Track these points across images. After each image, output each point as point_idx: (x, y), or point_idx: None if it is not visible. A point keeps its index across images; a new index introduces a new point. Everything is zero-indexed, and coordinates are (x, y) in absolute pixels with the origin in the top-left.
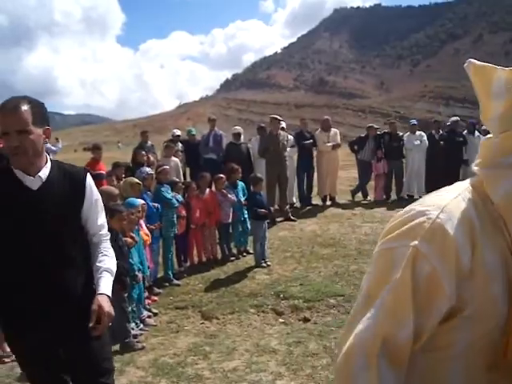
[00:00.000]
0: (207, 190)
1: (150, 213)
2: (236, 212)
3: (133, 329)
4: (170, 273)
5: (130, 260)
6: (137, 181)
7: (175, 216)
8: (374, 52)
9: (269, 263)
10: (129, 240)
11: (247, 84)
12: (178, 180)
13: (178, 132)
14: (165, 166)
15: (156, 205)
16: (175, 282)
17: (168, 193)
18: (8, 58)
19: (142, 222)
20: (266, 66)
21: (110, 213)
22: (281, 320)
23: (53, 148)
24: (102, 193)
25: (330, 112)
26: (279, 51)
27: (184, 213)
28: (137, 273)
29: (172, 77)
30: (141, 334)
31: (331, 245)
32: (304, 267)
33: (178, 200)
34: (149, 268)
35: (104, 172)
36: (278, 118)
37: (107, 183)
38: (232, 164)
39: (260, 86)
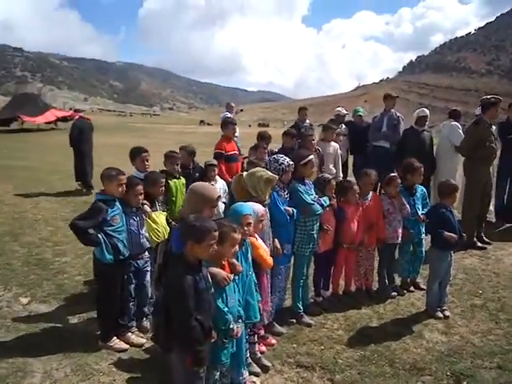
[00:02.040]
0: (370, 193)
1: (280, 221)
2: (408, 229)
3: None
4: (299, 305)
5: (220, 304)
6: (271, 175)
7: (316, 227)
8: None
9: (447, 313)
10: (222, 274)
11: (433, 67)
12: (328, 176)
13: (343, 111)
14: (310, 157)
15: (290, 209)
16: (306, 319)
17: (309, 193)
18: (203, 37)
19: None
20: (457, 48)
21: (220, 238)
22: None
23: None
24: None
25: None
26: (473, 32)
27: (329, 224)
28: (232, 325)
29: (352, 57)
30: None
31: None
32: (504, 331)
33: (323, 204)
34: (262, 309)
35: (236, 152)
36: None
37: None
38: (413, 161)
39: (447, 70)
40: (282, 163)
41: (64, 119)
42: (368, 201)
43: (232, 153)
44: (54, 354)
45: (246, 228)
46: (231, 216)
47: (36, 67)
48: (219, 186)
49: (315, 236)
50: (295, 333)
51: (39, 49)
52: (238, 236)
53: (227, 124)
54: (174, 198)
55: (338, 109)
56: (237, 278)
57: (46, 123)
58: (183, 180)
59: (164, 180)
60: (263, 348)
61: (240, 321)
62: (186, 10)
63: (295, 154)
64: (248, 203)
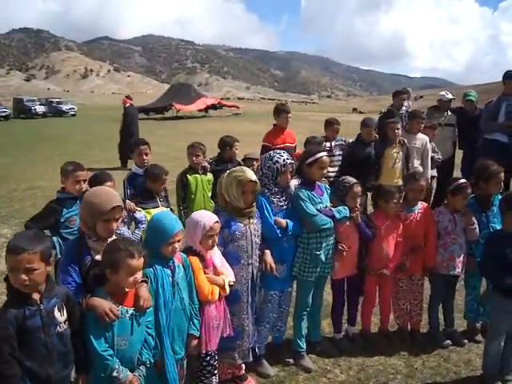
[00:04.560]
0: (419, 204)
1: (268, 235)
2: (475, 257)
3: None
4: (300, 343)
5: (97, 344)
6: (246, 177)
7: (325, 246)
8: None
9: None
10: (104, 306)
11: None
12: (350, 180)
13: (448, 95)
14: (318, 154)
15: (283, 221)
16: (305, 362)
17: (315, 201)
18: (366, 22)
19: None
20: None
21: (113, 266)
22: None
23: None
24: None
25: None
26: None
27: (351, 243)
28: (116, 372)
29: None
30: None
31: None
32: None
33: (333, 216)
34: (204, 344)
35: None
36: None
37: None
38: (489, 163)
39: None
40: (277, 161)
41: (213, 107)
42: (414, 214)
43: (282, 146)
44: None
45: (175, 246)
46: (153, 232)
47: (205, 58)
48: None
49: (323, 258)
50: (286, 378)
51: (208, 41)
52: (135, 262)
53: (279, 112)
54: (193, 196)
55: (442, 93)
56: (151, 309)
57: (198, 110)
58: (209, 176)
59: (165, 176)
60: None
61: (142, 367)
62: None
63: (308, 151)
64: (195, 214)
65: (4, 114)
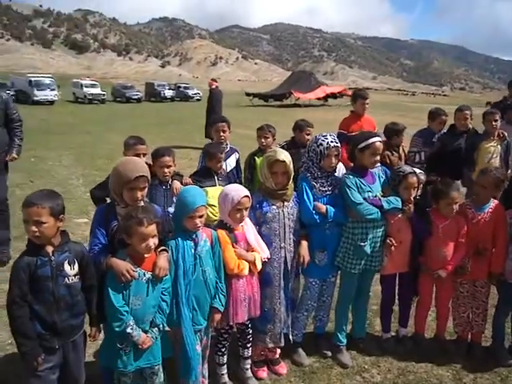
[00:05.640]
0: (491, 202)
1: (305, 220)
2: None
3: None
4: (340, 336)
5: (114, 300)
6: (279, 157)
7: (372, 238)
8: None
9: None
10: (121, 267)
11: None
12: (405, 169)
13: None
14: (372, 139)
15: (323, 207)
16: (343, 357)
17: (364, 189)
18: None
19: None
20: None
21: (126, 232)
22: None
23: None
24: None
25: None
26: None
27: (402, 237)
28: (130, 329)
29: None
30: None
31: None
32: None
33: (382, 206)
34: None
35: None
36: None
37: None
38: None
39: None
40: (321, 144)
41: (333, 96)
42: (484, 213)
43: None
44: None
45: (196, 221)
46: (178, 204)
47: (332, 47)
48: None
49: (368, 250)
50: (319, 369)
51: (337, 29)
52: (145, 229)
53: (356, 98)
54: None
55: None
56: (168, 277)
57: (317, 99)
58: None
59: (221, 155)
60: (264, 374)
61: (156, 329)
62: None
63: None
64: (226, 187)
65: (136, 97)
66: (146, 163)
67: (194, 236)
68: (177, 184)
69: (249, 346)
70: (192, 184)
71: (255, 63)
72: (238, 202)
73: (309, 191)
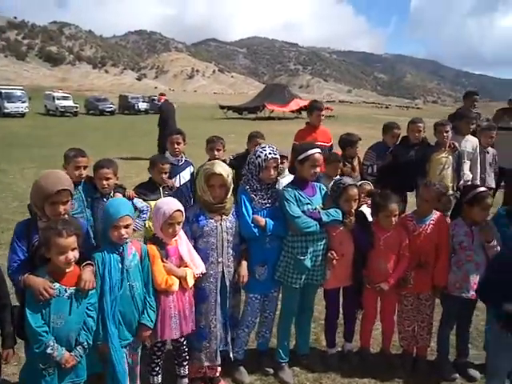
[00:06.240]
0: (433, 214)
1: (244, 234)
2: None
3: None
4: (281, 353)
5: (32, 320)
6: (215, 170)
7: (312, 251)
8: None
9: None
10: (39, 285)
11: None
12: (346, 181)
13: None
14: (311, 151)
15: (262, 220)
16: (285, 375)
17: (302, 202)
18: (480, 24)
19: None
20: None
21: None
22: None
23: None
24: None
25: None
26: None
27: (344, 250)
28: (51, 349)
29: None
30: None
31: None
32: None
33: (320, 218)
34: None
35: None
36: None
37: None
38: None
39: None
40: (259, 156)
41: (306, 109)
42: (425, 225)
43: None
44: None
45: (121, 231)
46: (103, 215)
47: (307, 61)
48: (286, 182)
49: (308, 264)
50: None
51: (313, 44)
52: (64, 241)
53: (312, 109)
54: None
55: None
56: (94, 292)
57: (291, 112)
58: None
59: (167, 166)
60: None
61: (80, 348)
62: None
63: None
64: (159, 200)
65: (110, 110)
66: (88, 176)
67: (120, 249)
68: (118, 196)
69: (185, 364)
70: (134, 195)
71: (231, 76)
72: (169, 215)
73: (248, 204)
